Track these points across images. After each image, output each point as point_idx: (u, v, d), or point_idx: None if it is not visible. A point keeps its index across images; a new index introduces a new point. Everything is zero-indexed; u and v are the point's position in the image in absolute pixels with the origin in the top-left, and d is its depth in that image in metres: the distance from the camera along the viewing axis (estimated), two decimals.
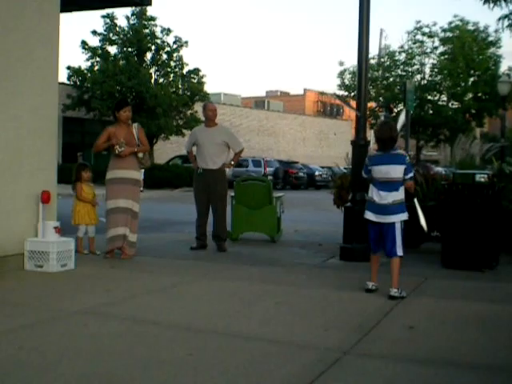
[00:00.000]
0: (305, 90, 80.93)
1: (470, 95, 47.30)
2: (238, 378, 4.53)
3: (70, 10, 11.44)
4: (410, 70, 47.69)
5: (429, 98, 47.54)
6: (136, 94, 39.23)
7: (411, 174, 7.57)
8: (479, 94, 46.91)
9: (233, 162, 11.40)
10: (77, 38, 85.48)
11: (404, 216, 7.46)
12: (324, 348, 5.26)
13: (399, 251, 7.40)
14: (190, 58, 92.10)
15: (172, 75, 42.15)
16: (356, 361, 5.01)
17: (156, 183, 35.70)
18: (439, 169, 15.16)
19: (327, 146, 65.59)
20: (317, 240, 12.43)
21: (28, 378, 4.45)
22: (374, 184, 7.57)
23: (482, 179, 10.42)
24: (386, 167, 7.45)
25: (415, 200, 7.80)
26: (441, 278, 8.82)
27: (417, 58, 47.81)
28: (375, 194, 7.51)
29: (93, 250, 10.05)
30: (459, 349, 5.37)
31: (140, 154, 9.85)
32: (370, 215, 7.53)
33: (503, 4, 14.68)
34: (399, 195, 7.45)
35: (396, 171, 7.43)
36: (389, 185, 7.42)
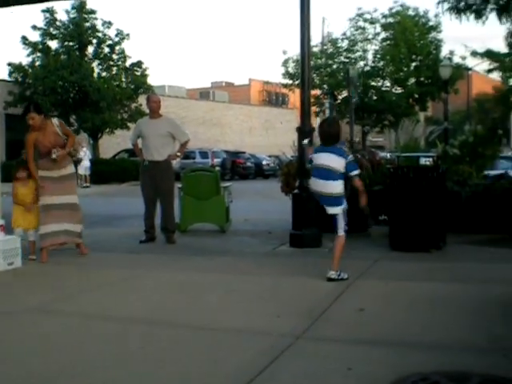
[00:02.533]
0: (250, 79, 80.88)
1: (413, 80, 47.76)
2: (191, 368, 4.52)
3: (8, 5, 11.24)
4: (352, 56, 47.95)
5: (372, 83, 47.88)
6: (79, 89, 38.80)
7: (357, 171, 7.59)
8: (422, 79, 47.40)
9: (179, 154, 11.35)
10: (17, 33, 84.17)
11: (339, 209, 7.51)
12: (277, 334, 5.27)
13: (340, 231, 7.53)
14: (133, 51, 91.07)
15: (115, 68, 41.76)
16: (308, 345, 5.03)
17: (102, 178, 35.36)
18: (384, 154, 15.31)
19: (274, 135, 65.66)
20: (266, 228, 12.45)
21: None
22: (313, 172, 7.75)
23: (427, 162, 10.58)
24: (324, 154, 7.57)
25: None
26: (389, 260, 8.92)
27: (359, 44, 48.09)
28: (312, 181, 7.76)
29: (31, 254, 9.29)
30: (409, 329, 5.44)
31: (54, 155, 9.42)
32: (313, 187, 7.80)
33: None
34: (336, 188, 7.50)
35: (333, 161, 7.48)
36: (325, 173, 7.51)
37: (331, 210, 7.54)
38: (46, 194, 9.36)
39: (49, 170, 9.41)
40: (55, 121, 9.65)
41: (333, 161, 7.48)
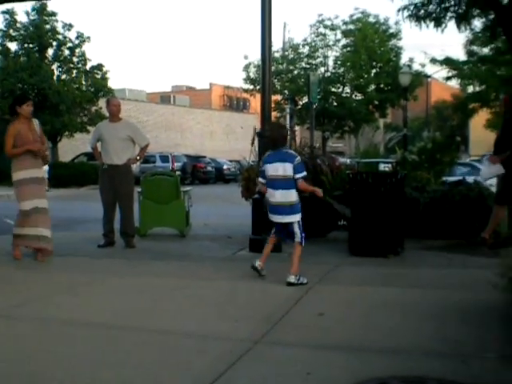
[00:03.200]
0: (211, 84, 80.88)
1: (373, 87, 48.15)
2: (151, 372, 4.50)
3: None
4: (313, 62, 48.20)
5: (333, 90, 48.16)
6: (38, 91, 38.38)
7: (302, 174, 7.60)
8: (382, 86, 47.80)
9: (138, 158, 11.30)
10: None
11: (298, 217, 7.61)
12: (235, 339, 5.27)
13: (298, 239, 7.58)
14: (93, 54, 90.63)
15: (75, 71, 41.43)
16: (267, 350, 5.04)
17: (61, 182, 35.01)
18: (343, 159, 15.41)
19: (235, 140, 65.70)
20: (226, 233, 12.43)
21: None
22: (268, 184, 7.73)
23: (386, 168, 10.66)
24: (276, 165, 7.60)
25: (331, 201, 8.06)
26: (348, 265, 8.97)
27: (320, 50, 48.35)
28: (270, 194, 7.70)
29: None
30: (368, 334, 5.47)
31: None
32: (272, 217, 7.74)
33: None
34: (293, 196, 7.60)
35: (288, 169, 7.53)
36: (281, 183, 7.56)
37: (288, 219, 7.60)
38: (29, 198, 9.30)
39: (28, 168, 9.35)
40: (36, 121, 9.69)
41: (287, 169, 7.54)
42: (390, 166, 10.64)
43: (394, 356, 4.87)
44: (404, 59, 48.09)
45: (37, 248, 9.50)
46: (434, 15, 14.55)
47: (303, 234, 7.61)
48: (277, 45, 53.32)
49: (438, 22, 14.53)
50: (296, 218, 7.58)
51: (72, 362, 4.71)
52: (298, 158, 7.72)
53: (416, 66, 45.78)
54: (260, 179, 8.00)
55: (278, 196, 7.59)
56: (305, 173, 7.67)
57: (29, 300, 6.87)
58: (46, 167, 33.97)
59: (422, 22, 14.65)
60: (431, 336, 5.39)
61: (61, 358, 4.80)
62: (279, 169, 7.56)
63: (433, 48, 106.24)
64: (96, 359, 4.79)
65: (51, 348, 5.08)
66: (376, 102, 48.20)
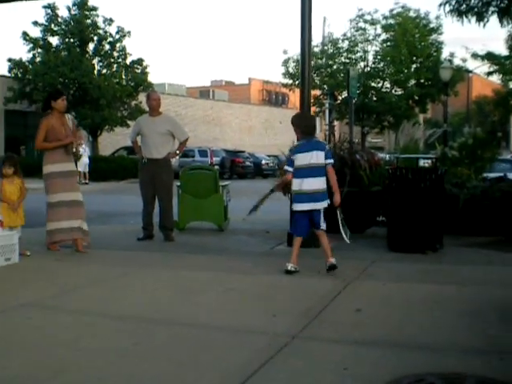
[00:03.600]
0: (250, 79, 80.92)
1: (413, 82, 47.77)
2: (186, 366, 4.52)
3: (9, 0, 11.24)
4: (353, 57, 47.93)
5: (372, 84, 47.91)
6: (79, 86, 38.80)
7: (332, 160, 7.90)
8: (422, 81, 47.42)
9: (178, 152, 11.36)
10: (18, 29, 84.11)
11: (326, 204, 7.80)
12: (273, 333, 5.27)
13: (323, 225, 7.80)
14: (133, 49, 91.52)
15: (115, 66, 41.78)
16: (304, 345, 5.03)
17: (101, 175, 35.33)
18: (382, 155, 15.30)
19: (273, 135, 65.69)
20: (264, 228, 12.45)
21: None
22: (299, 173, 7.81)
23: (426, 164, 10.57)
24: (311, 153, 7.78)
25: (338, 211, 7.91)
26: (387, 261, 8.92)
27: (360, 45, 48.08)
28: (304, 183, 7.79)
29: (22, 251, 8.95)
30: (405, 330, 5.43)
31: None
32: (301, 206, 7.83)
33: None
34: (325, 183, 7.82)
35: (320, 157, 7.78)
36: (315, 170, 7.75)
37: (320, 205, 7.77)
38: (58, 192, 9.45)
39: (60, 162, 9.51)
40: (69, 115, 9.86)
41: (320, 156, 7.78)
42: (429, 161, 10.52)
43: (432, 352, 4.83)
44: (445, 54, 47.68)
45: (73, 239, 9.67)
46: (476, 10, 14.38)
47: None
48: (316, 39, 53.19)
49: (480, 17, 14.37)
50: (325, 204, 7.79)
51: (103, 354, 4.76)
52: (327, 145, 8.22)
53: (457, 61, 45.46)
54: (287, 167, 8.04)
55: (312, 183, 7.75)
56: (333, 160, 7.97)
57: (64, 291, 6.95)
58: (86, 160, 34.31)
59: (464, 17, 14.49)
60: (469, 333, 5.35)
61: (92, 350, 4.85)
62: (313, 157, 7.75)
63: (474, 42, 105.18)
64: (128, 352, 4.82)
65: (83, 339, 5.14)
66: (416, 97, 47.83)
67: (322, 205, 7.76)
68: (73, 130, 9.78)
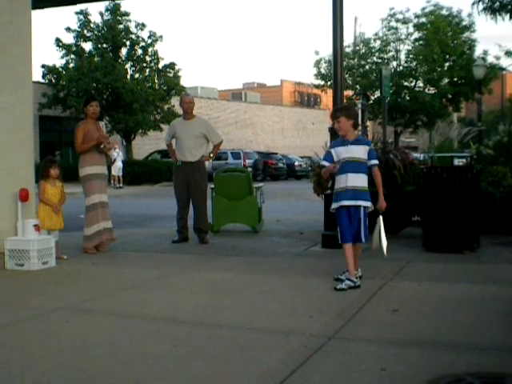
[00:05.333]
0: (281, 80, 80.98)
1: (446, 80, 47.37)
2: (224, 367, 4.53)
3: (42, 7, 11.36)
4: (385, 56, 47.69)
5: (405, 84, 47.60)
6: (112, 90, 39.11)
7: (376, 161, 7.30)
8: (455, 79, 47.00)
9: (212, 155, 11.39)
10: (51, 35, 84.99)
11: (369, 204, 7.19)
12: (309, 334, 5.26)
13: (364, 238, 7.21)
14: (166, 53, 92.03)
15: (148, 70, 42.08)
16: (341, 345, 5.02)
17: (135, 179, 35.61)
18: (416, 154, 15.21)
19: (306, 136, 65.65)
20: (298, 229, 12.45)
21: (12, 375, 4.42)
22: (339, 170, 7.18)
23: (461, 163, 10.49)
24: (352, 147, 7.17)
25: (380, 217, 7.28)
26: (423, 261, 8.87)
27: (392, 44, 47.81)
28: (345, 180, 7.16)
29: (59, 255, 9.15)
30: (443, 330, 5.39)
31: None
32: (341, 202, 7.16)
33: None
34: (365, 181, 7.19)
35: (362, 151, 7.17)
36: (355, 166, 7.13)
37: (361, 202, 7.13)
38: (96, 192, 9.85)
39: (96, 165, 9.88)
40: (101, 123, 10.37)
41: (362, 152, 7.19)
42: (464, 160, 10.44)
43: (470, 352, 4.79)
44: (478, 52, 47.20)
45: (105, 240, 10.03)
46: (510, 7, 14.27)
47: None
48: (348, 40, 53.07)
49: None
50: (368, 203, 7.15)
51: (141, 356, 4.77)
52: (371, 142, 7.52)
53: (490, 59, 44.91)
54: (324, 162, 7.40)
55: (353, 180, 7.11)
56: (377, 160, 7.38)
57: (100, 294, 7.01)
58: (120, 164, 34.64)
59: (498, 15, 14.38)
60: (508, 333, 5.30)
61: (130, 353, 4.87)
62: (355, 151, 7.15)
63: (507, 40, 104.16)
64: (165, 354, 4.84)
65: (121, 342, 5.17)
66: (449, 96, 47.43)
67: (363, 203, 7.13)
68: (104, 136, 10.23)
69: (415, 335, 5.24)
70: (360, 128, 8.39)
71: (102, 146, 9.88)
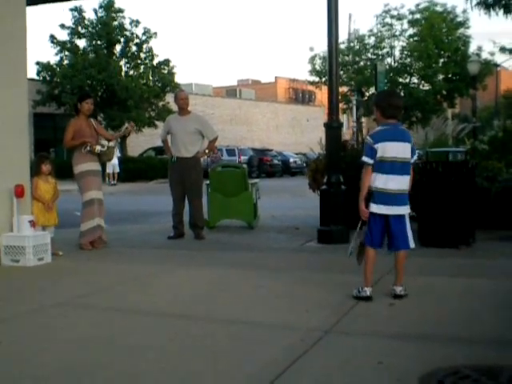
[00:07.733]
0: (276, 77, 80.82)
1: (441, 76, 47.42)
2: (222, 361, 4.54)
3: (36, 3, 11.33)
4: (380, 53, 47.71)
5: (400, 80, 47.64)
6: (107, 87, 39.04)
7: (416, 158, 6.47)
8: (450, 75, 47.06)
9: (207, 151, 11.38)
10: (45, 32, 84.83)
11: (409, 209, 6.36)
12: (306, 328, 5.27)
13: (412, 243, 6.43)
14: (160, 49, 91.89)
15: (142, 67, 41.96)
16: (338, 339, 5.03)
17: (130, 176, 35.51)
18: None
19: (300, 133, 65.59)
20: (294, 224, 12.45)
21: (10, 369, 4.42)
22: (382, 168, 6.10)
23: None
24: (398, 144, 6.09)
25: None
26: (418, 255, 8.83)
27: (386, 41, 47.85)
28: (389, 180, 6.11)
29: (54, 251, 9.05)
30: (439, 323, 5.41)
31: (104, 148, 10.01)
32: (379, 208, 6.15)
33: None
34: (408, 183, 6.26)
35: (406, 150, 6.12)
36: (403, 167, 6.15)
37: (403, 210, 6.27)
38: (92, 189, 9.82)
39: (90, 161, 9.83)
40: (92, 120, 10.29)
41: (407, 150, 6.13)
42: (459, 155, 10.44)
43: (467, 345, 4.80)
44: (472, 48, 47.25)
45: (98, 237, 9.95)
46: (504, 2, 14.29)
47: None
48: (342, 36, 53.00)
49: (508, 9, 14.27)
50: (408, 209, 6.32)
51: (138, 350, 4.79)
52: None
53: (485, 55, 45.01)
54: (366, 159, 6.13)
55: (397, 182, 6.13)
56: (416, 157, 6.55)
57: (98, 290, 7.01)
58: (115, 161, 34.49)
59: (491, 10, 14.40)
60: (504, 326, 5.32)
61: (127, 347, 4.88)
62: (400, 149, 6.07)
63: (502, 36, 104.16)
64: (163, 348, 4.86)
65: (118, 337, 5.18)
66: (444, 92, 47.48)
67: (405, 210, 6.26)
68: (100, 132, 10.23)
69: (412, 329, 5.26)
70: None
71: (88, 148, 9.76)
